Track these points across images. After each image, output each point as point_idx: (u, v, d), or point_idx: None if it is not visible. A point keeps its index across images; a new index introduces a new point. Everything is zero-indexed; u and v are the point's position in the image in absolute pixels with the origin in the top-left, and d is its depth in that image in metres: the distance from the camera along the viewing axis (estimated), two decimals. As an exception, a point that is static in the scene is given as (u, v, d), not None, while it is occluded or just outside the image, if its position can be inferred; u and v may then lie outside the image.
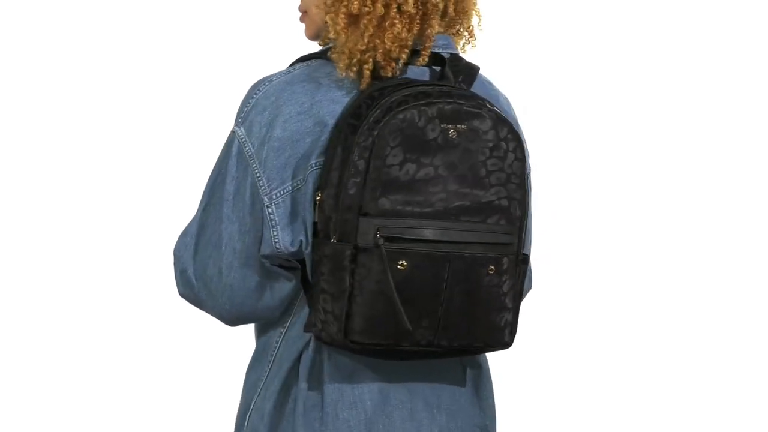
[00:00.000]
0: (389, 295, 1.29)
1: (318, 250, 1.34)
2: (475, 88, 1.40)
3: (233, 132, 1.42)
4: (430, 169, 1.31)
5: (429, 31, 1.38)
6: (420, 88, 1.33)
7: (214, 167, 1.44)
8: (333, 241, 1.32)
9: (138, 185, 3.32)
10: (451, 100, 1.31)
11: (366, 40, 1.35)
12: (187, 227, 1.46)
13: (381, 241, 1.30)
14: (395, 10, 1.35)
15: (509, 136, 1.33)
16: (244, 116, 1.41)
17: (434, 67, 1.40)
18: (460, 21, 1.45)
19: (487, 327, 1.34)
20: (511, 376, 3.02)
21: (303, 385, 1.40)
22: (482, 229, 1.32)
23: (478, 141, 1.32)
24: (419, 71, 1.39)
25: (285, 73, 1.43)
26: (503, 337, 1.36)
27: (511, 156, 1.33)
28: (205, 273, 1.43)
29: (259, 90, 1.42)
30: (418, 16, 1.37)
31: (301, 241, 1.38)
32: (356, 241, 1.30)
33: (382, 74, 1.36)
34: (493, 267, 1.32)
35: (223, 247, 1.41)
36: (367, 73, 1.35)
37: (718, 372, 3.27)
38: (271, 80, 1.42)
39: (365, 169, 1.30)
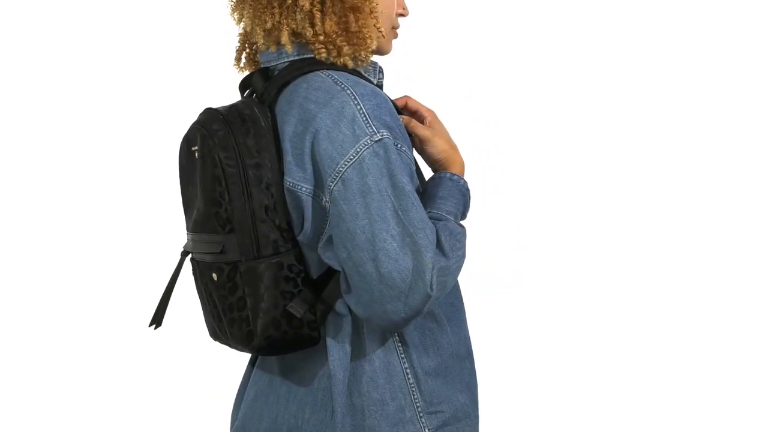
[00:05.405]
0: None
1: None
2: (287, 95, 1.47)
3: None
4: (191, 187, 1.49)
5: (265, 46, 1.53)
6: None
7: None
8: None
9: (136, 185, 3.34)
10: (197, 124, 1.46)
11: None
12: None
13: (181, 250, 1.54)
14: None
15: (214, 151, 1.41)
16: None
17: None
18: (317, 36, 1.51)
19: (231, 330, 1.44)
20: (506, 374, 3.03)
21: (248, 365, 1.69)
22: (205, 239, 1.45)
23: (198, 159, 1.44)
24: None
25: None
26: (247, 343, 1.44)
27: (217, 170, 1.41)
28: None
29: None
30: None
31: None
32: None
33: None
34: (215, 275, 1.43)
35: None
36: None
37: (713, 369, 3.28)
38: None
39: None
